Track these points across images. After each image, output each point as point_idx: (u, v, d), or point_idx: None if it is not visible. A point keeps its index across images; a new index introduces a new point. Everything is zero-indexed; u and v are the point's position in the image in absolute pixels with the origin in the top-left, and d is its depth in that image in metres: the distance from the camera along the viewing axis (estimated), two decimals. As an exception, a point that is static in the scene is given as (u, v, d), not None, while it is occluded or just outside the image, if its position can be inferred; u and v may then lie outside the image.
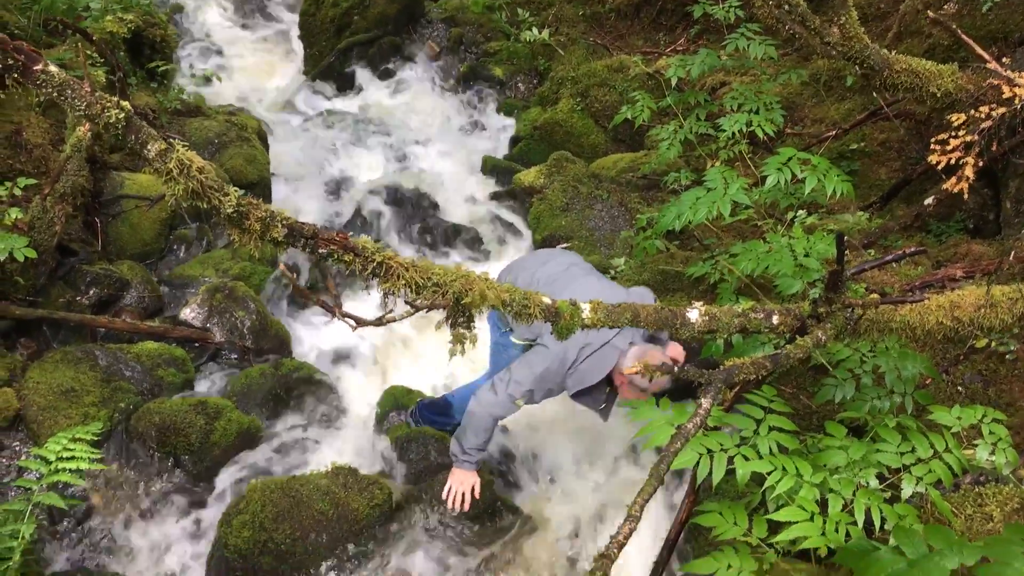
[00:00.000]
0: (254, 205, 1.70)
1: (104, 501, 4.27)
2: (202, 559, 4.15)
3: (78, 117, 4.77)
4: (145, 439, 4.44)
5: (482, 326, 3.74)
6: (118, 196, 5.71)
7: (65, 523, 4.13)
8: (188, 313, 5.24)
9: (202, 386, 5.04)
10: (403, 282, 2.02)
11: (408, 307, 2.04)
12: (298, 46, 9.39)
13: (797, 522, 2.70)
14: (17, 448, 4.33)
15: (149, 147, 1.50)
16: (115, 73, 5.90)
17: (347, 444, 4.82)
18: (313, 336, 5.67)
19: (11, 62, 1.32)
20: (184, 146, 1.58)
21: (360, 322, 1.96)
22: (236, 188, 1.69)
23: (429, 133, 8.14)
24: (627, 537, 1.94)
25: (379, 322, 1.97)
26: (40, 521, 3.93)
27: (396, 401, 4.97)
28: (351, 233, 2.01)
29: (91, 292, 5.13)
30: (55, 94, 1.40)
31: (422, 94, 8.77)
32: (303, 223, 1.80)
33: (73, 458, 3.41)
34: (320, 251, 1.83)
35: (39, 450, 3.44)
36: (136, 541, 4.19)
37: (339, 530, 4.08)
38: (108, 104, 1.44)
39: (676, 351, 4.05)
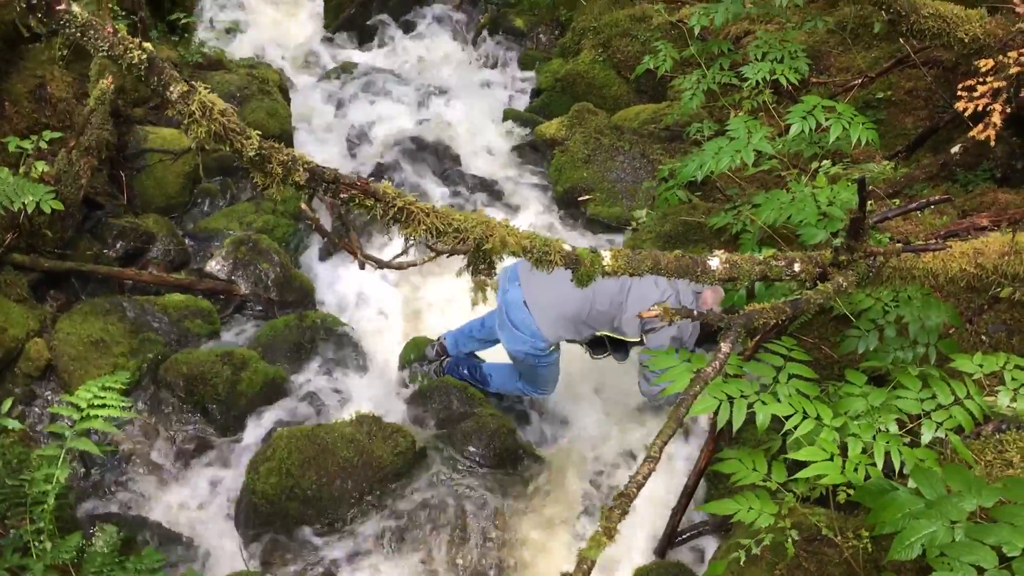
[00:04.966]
0: (276, 149, 1.72)
1: (134, 449, 4.37)
2: (230, 505, 4.24)
3: (102, 64, 4.79)
4: (173, 389, 4.53)
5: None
6: (142, 150, 5.74)
7: (96, 469, 4.23)
8: (213, 265, 5.30)
9: (228, 337, 5.12)
10: (424, 227, 2.04)
11: (429, 252, 2.06)
12: (318, -2, 9.33)
13: (817, 461, 2.71)
14: (49, 397, 4.43)
15: (171, 89, 1.52)
16: (136, 13, 5.86)
17: (371, 393, 4.89)
18: (336, 288, 5.72)
19: (35, 2, 1.33)
20: (206, 88, 1.60)
21: (381, 264, 1.98)
22: (258, 132, 1.71)
23: (450, 85, 8.09)
24: (646, 477, 1.97)
25: (400, 265, 1.99)
26: (73, 467, 4.03)
27: (419, 351, 5.02)
28: (372, 179, 2.03)
29: (118, 245, 5.20)
30: (78, 34, 1.41)
31: (443, 46, 8.71)
32: (324, 167, 1.82)
33: (104, 406, 3.47)
34: (341, 196, 1.84)
35: (71, 397, 3.51)
36: (165, 487, 4.29)
37: (363, 477, 4.15)
38: (131, 45, 1.45)
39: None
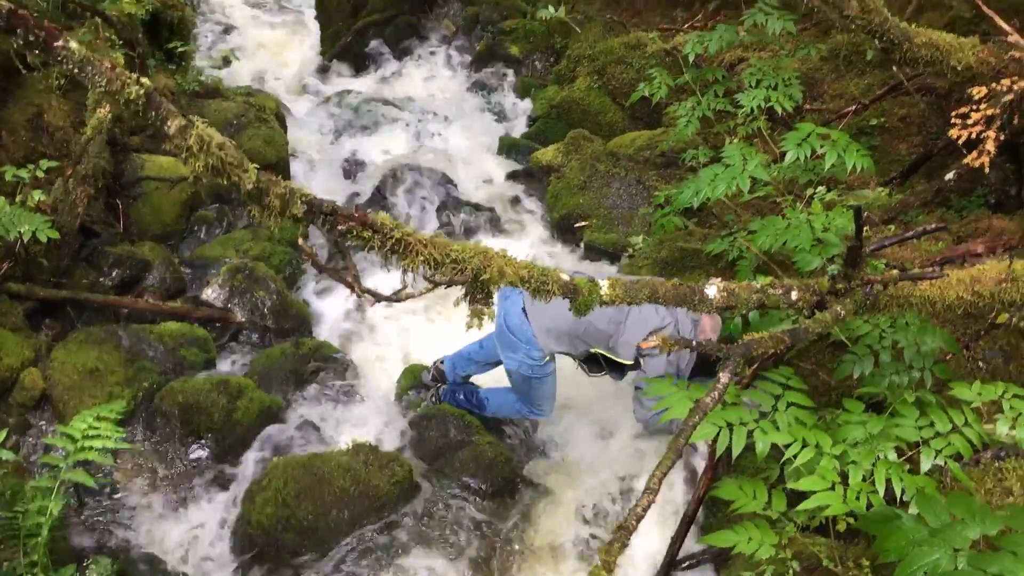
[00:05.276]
0: (274, 182, 1.72)
1: (129, 479, 4.34)
2: (226, 535, 4.20)
3: (99, 94, 4.81)
4: (169, 418, 4.50)
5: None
6: (139, 178, 5.75)
7: (91, 500, 4.19)
8: (209, 293, 5.28)
9: (224, 365, 5.10)
10: (422, 258, 2.04)
11: (426, 283, 2.06)
12: (314, 26, 9.39)
13: (818, 491, 2.70)
14: (43, 427, 4.40)
15: (169, 123, 1.52)
16: (135, 49, 5.91)
17: (367, 422, 4.86)
18: (333, 315, 5.71)
19: (32, 39, 1.33)
20: (204, 122, 1.60)
21: (379, 297, 1.98)
22: (255, 165, 1.71)
23: (446, 112, 8.13)
24: (645, 509, 1.96)
25: (398, 298, 1.99)
26: (68, 498, 4.00)
27: (416, 379, 5.01)
28: (369, 210, 2.03)
29: (114, 273, 5.19)
30: (76, 70, 1.41)
31: (439, 73, 8.76)
32: (322, 199, 1.82)
33: (98, 436, 3.46)
34: (339, 228, 1.84)
35: (65, 428, 3.49)
36: (161, 518, 4.25)
37: (360, 507, 4.12)
38: (128, 80, 1.46)
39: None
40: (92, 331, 4.72)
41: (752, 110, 4.87)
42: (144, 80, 1.47)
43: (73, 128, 5.46)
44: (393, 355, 5.46)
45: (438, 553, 4.09)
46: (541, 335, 4.16)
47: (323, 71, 8.87)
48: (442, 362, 4.89)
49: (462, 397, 4.75)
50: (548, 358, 4.27)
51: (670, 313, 4.09)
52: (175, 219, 5.87)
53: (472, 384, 4.87)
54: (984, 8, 4.48)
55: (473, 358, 4.76)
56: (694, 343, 2.47)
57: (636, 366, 4.22)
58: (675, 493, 4.46)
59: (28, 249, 4.61)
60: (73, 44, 1.39)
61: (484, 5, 9.09)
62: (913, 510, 2.45)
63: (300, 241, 1.98)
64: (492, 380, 4.80)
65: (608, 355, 4.23)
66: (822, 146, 4.11)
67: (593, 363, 4.36)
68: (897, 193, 5.12)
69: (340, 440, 4.64)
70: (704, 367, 4.23)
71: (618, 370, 4.34)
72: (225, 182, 1.62)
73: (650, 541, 4.16)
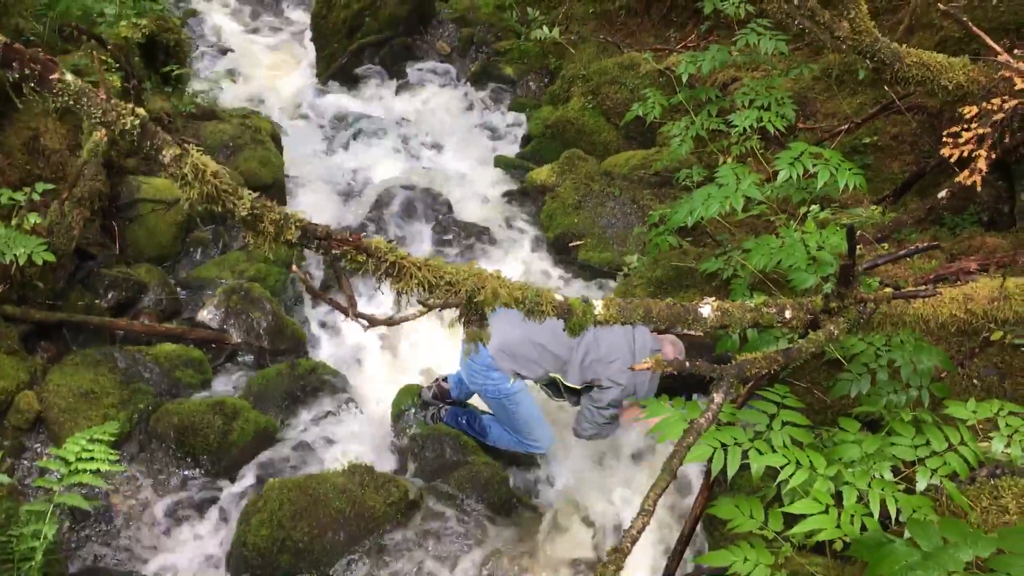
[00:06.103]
0: (268, 208, 1.73)
1: (124, 501, 4.32)
2: (221, 557, 4.19)
3: (94, 125, 4.84)
4: (164, 440, 4.49)
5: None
6: (135, 200, 5.75)
7: (86, 523, 4.18)
8: (205, 315, 5.28)
9: (220, 387, 5.09)
10: (416, 281, 2.05)
11: (420, 306, 2.06)
12: (310, 48, 9.44)
13: (812, 514, 2.70)
14: (39, 450, 4.39)
15: (164, 153, 1.53)
16: (130, 80, 5.95)
17: (363, 442, 4.85)
18: (328, 336, 5.72)
19: (28, 72, 1.34)
20: (198, 150, 1.61)
21: (373, 322, 1.98)
22: (250, 192, 1.71)
23: (441, 133, 8.17)
24: (640, 531, 1.96)
25: (392, 321, 2.00)
26: (62, 521, 3.99)
27: (411, 399, 5.00)
28: (364, 233, 2.04)
29: (110, 295, 5.19)
30: (71, 102, 1.43)
31: (434, 94, 8.80)
32: (316, 224, 1.83)
33: (92, 459, 3.45)
34: (334, 252, 1.85)
35: (58, 451, 3.48)
36: (156, 540, 4.24)
37: (356, 528, 4.11)
38: (123, 111, 1.47)
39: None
40: (88, 353, 4.71)
41: (745, 130, 4.90)
42: (139, 111, 1.48)
43: (69, 151, 5.47)
44: (389, 375, 5.46)
45: (434, 574, 4.07)
46: (495, 353, 4.17)
47: (319, 92, 8.91)
48: (445, 380, 4.88)
49: (464, 421, 4.74)
50: (513, 379, 4.26)
51: (628, 345, 4.12)
52: (171, 241, 5.87)
53: (476, 409, 4.86)
54: (973, 28, 4.53)
55: None
56: (687, 364, 2.48)
57: (587, 390, 4.25)
58: (673, 512, 4.46)
59: (24, 271, 4.60)
60: (69, 76, 1.40)
61: (478, 27, 9.16)
62: (907, 533, 2.44)
63: (294, 268, 1.99)
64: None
65: (561, 379, 4.25)
66: (815, 165, 4.14)
67: (553, 387, 4.37)
68: (890, 211, 5.15)
69: (336, 461, 4.64)
70: (700, 386, 4.23)
71: (573, 395, 4.36)
72: (220, 209, 1.63)
73: (646, 560, 4.16)
